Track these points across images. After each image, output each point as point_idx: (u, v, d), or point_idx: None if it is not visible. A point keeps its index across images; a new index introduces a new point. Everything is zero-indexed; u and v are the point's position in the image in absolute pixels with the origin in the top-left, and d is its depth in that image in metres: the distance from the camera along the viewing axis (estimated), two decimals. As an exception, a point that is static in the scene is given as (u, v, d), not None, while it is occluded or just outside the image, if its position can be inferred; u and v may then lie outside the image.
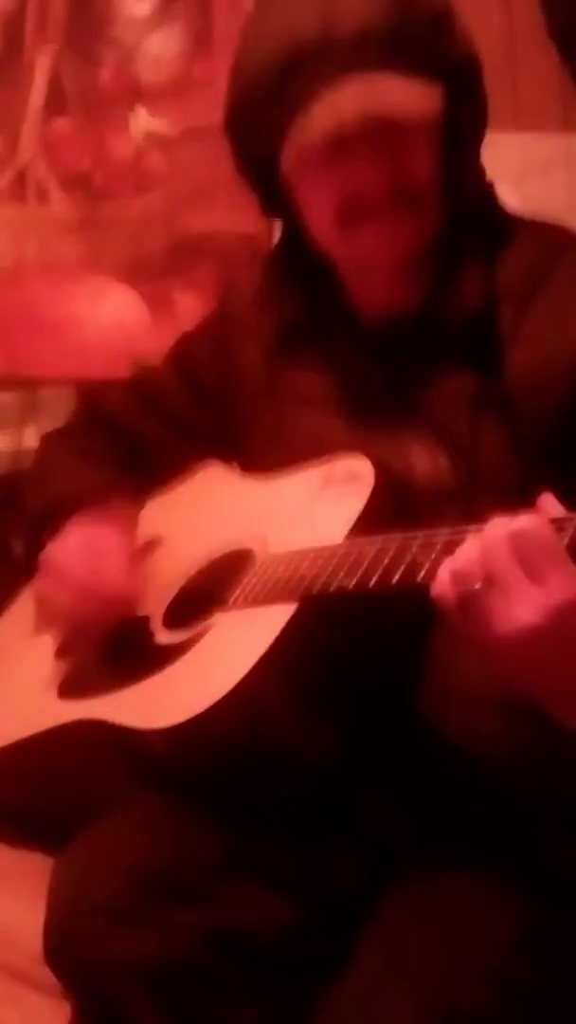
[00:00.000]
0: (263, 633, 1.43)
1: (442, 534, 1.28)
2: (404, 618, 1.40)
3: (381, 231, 1.51)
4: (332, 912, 1.49)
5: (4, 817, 1.70)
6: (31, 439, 2.42)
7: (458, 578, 1.21)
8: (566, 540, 1.19)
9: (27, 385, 2.60)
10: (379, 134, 1.46)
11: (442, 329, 1.54)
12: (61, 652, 1.71)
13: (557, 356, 1.49)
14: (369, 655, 1.45)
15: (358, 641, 1.44)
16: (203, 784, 1.47)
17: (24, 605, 1.84)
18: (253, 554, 1.58)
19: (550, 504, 1.23)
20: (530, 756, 1.44)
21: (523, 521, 1.21)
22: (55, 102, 2.67)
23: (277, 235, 1.70)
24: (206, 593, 1.59)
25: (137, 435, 1.81)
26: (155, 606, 1.67)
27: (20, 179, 2.65)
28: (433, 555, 1.27)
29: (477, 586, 1.20)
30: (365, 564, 1.35)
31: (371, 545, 1.37)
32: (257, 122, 1.51)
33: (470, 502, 1.35)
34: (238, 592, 1.53)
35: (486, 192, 1.61)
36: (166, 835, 1.49)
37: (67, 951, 1.45)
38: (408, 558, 1.30)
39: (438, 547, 1.27)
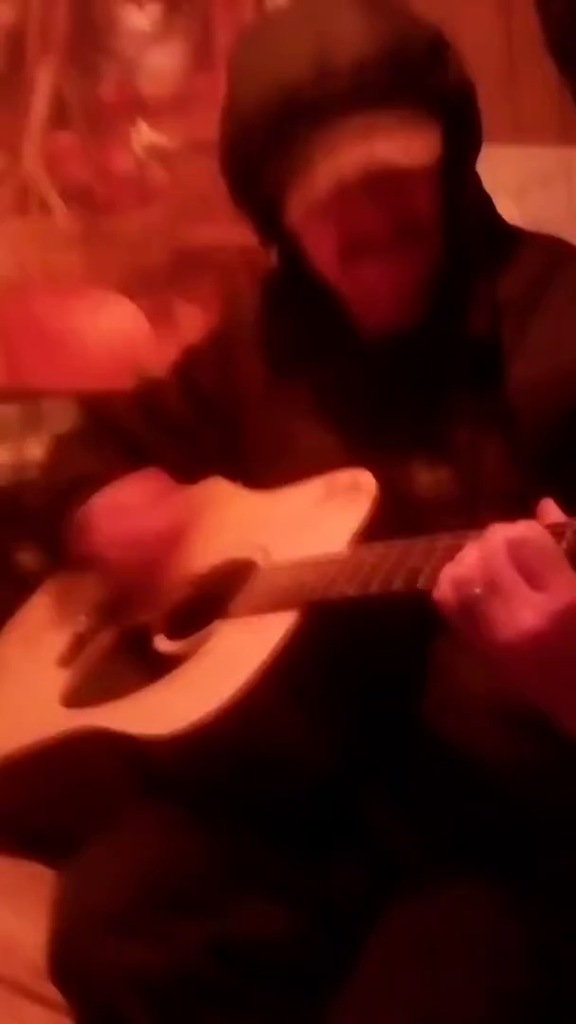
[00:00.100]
0: (264, 640, 1.43)
1: (442, 540, 1.29)
2: (405, 625, 1.41)
3: (384, 266, 1.52)
4: (335, 922, 1.48)
5: (5, 827, 1.70)
6: (33, 451, 2.42)
7: (459, 584, 1.22)
8: (565, 545, 1.20)
9: (29, 397, 2.60)
10: (380, 183, 1.47)
11: (443, 344, 1.55)
12: (64, 660, 1.72)
13: (558, 367, 1.50)
14: (371, 662, 1.45)
15: (360, 648, 1.44)
16: (206, 792, 1.47)
17: (28, 614, 1.85)
18: (255, 564, 1.58)
19: (550, 510, 1.24)
20: (532, 763, 1.45)
21: (522, 527, 1.21)
22: (57, 116, 2.68)
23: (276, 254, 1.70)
24: (207, 602, 1.59)
25: (141, 446, 1.81)
26: (157, 614, 1.67)
27: (22, 192, 2.66)
28: (433, 561, 1.27)
29: (478, 591, 1.20)
30: (366, 571, 1.36)
31: (372, 553, 1.37)
32: (255, 168, 1.52)
33: (471, 514, 1.35)
34: (239, 600, 1.54)
35: (484, 209, 1.62)
36: (169, 846, 1.49)
37: (71, 962, 1.45)
38: (409, 565, 1.30)
39: (438, 553, 1.27)
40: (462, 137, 1.53)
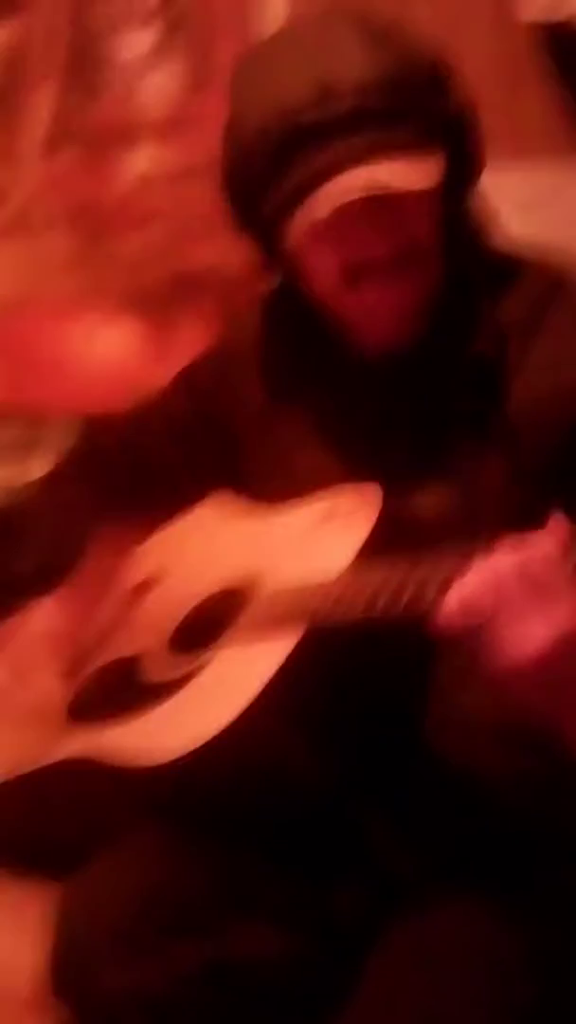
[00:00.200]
0: (265, 665, 1.43)
1: (448, 560, 1.28)
2: (406, 646, 1.40)
3: (385, 288, 1.52)
4: (335, 943, 1.48)
5: (7, 844, 1.70)
6: (37, 470, 2.42)
7: (467, 604, 1.22)
8: (574, 561, 1.20)
9: (32, 418, 2.60)
10: (381, 207, 1.47)
11: (443, 364, 1.55)
12: (65, 677, 1.71)
13: (560, 385, 1.50)
14: (371, 683, 1.45)
15: (360, 670, 1.44)
16: (207, 813, 1.47)
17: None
18: (256, 586, 1.58)
19: (559, 525, 1.23)
20: (532, 779, 1.45)
21: (531, 543, 1.21)
22: (56, 137, 2.68)
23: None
24: (207, 627, 1.59)
25: (143, 461, 1.81)
26: (157, 640, 1.67)
27: (22, 214, 2.67)
28: (439, 582, 1.27)
29: (486, 610, 1.20)
30: (368, 593, 1.35)
31: (374, 574, 1.37)
32: (256, 190, 1.52)
33: (473, 533, 1.35)
34: (240, 625, 1.53)
35: (485, 231, 1.62)
36: (171, 866, 1.49)
37: (73, 978, 1.45)
38: (413, 585, 1.30)
39: (444, 574, 1.27)
40: (463, 161, 1.53)
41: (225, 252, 2.54)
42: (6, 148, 2.62)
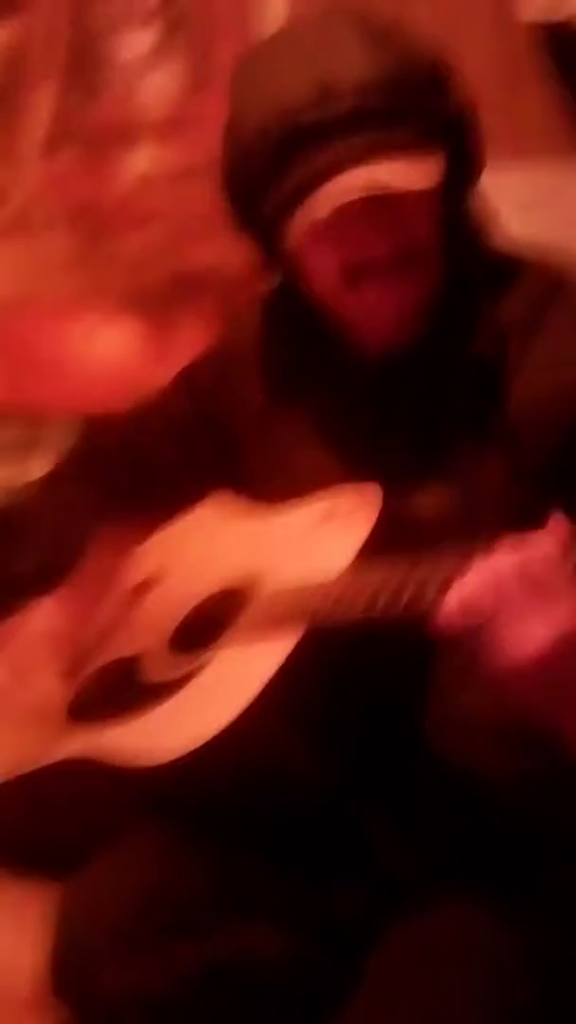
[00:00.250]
0: (265, 665, 1.43)
1: (448, 560, 1.28)
2: (407, 647, 1.41)
3: (385, 288, 1.52)
4: (335, 943, 1.48)
5: (7, 843, 1.70)
6: (37, 470, 2.42)
7: (467, 604, 1.22)
8: (575, 561, 1.20)
9: (32, 418, 2.60)
10: (381, 207, 1.47)
11: (443, 364, 1.55)
12: (65, 677, 1.71)
13: (560, 384, 1.50)
14: (371, 683, 1.45)
15: (360, 670, 1.44)
16: (207, 813, 1.47)
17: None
18: (256, 586, 1.58)
19: (559, 525, 1.23)
20: (532, 778, 1.45)
21: (530, 543, 1.21)
22: (56, 137, 2.68)
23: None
24: (207, 627, 1.59)
25: (143, 461, 1.81)
26: (157, 640, 1.67)
27: (22, 214, 2.67)
28: (439, 582, 1.27)
29: (487, 610, 1.20)
30: (368, 593, 1.35)
31: (375, 574, 1.37)
32: (256, 190, 1.52)
33: (473, 533, 1.35)
34: (240, 625, 1.53)
35: (485, 231, 1.62)
36: (171, 866, 1.49)
37: (73, 978, 1.45)
38: (413, 585, 1.30)
39: (444, 574, 1.27)
40: (463, 161, 1.53)
41: (225, 252, 2.54)
42: (6, 148, 2.62)
